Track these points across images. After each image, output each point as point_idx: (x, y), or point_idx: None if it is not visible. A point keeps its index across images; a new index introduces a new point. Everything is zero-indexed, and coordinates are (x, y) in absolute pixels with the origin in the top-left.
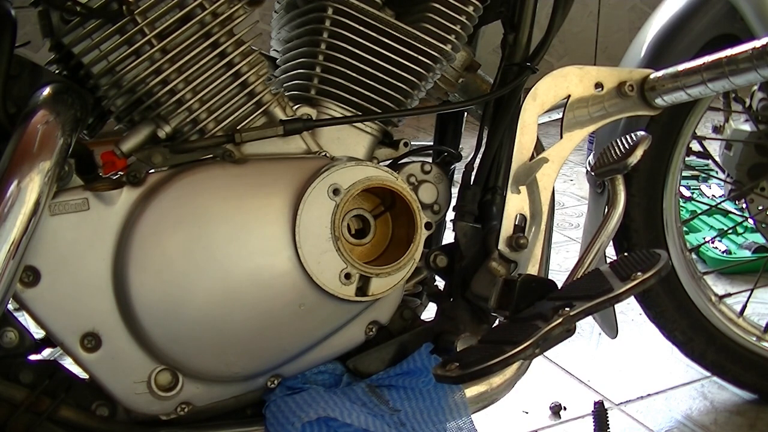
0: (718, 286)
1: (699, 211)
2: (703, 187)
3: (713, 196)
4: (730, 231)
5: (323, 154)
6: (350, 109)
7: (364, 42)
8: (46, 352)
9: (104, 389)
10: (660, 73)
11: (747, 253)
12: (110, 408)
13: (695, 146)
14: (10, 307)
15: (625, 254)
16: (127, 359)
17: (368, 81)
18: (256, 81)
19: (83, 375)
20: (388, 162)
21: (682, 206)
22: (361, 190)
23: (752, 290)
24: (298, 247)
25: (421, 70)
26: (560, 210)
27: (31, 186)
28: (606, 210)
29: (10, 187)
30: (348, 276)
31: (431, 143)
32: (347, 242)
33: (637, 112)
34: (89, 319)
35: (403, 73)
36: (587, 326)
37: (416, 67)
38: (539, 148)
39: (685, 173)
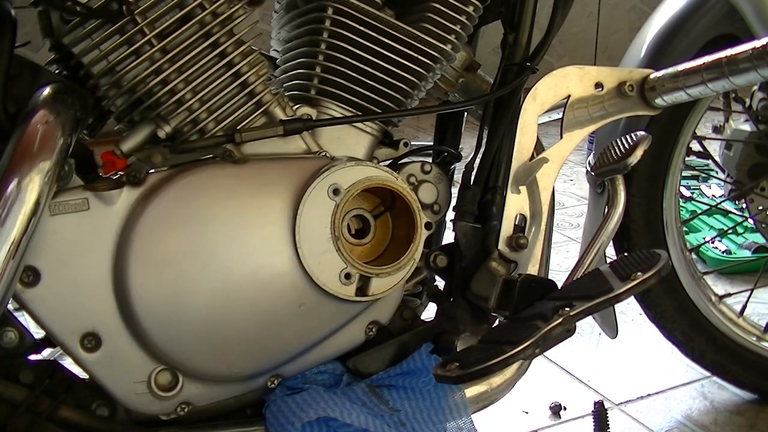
0: (718, 286)
1: (699, 211)
2: (703, 187)
3: (713, 196)
4: (730, 231)
5: (323, 154)
6: (350, 109)
7: (364, 42)
8: (46, 352)
9: (104, 389)
10: (660, 73)
11: (747, 253)
12: (110, 408)
13: (695, 146)
14: (10, 307)
15: (625, 254)
16: (127, 359)
17: (368, 81)
18: (256, 81)
19: (83, 375)
20: (388, 162)
21: (682, 206)
22: (361, 190)
23: (752, 290)
24: (298, 247)
25: (421, 70)
26: (560, 210)
27: (31, 186)
28: (606, 210)
29: (10, 187)
30: (348, 276)
31: (431, 143)
32: (347, 242)
33: (637, 112)
34: (89, 319)
35: (403, 73)
36: (587, 326)
37: (416, 67)
38: (539, 148)
39: (685, 173)
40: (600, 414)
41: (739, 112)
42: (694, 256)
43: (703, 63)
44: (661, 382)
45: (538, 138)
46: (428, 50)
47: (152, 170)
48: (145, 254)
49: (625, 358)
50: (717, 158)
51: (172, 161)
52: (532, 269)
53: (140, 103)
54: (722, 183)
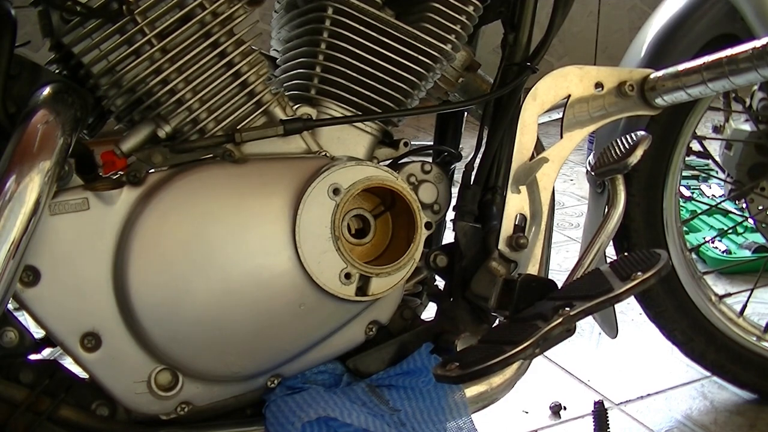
0: (718, 286)
1: (699, 211)
2: (703, 187)
3: (713, 196)
4: (730, 231)
5: (323, 153)
6: (350, 108)
7: (364, 42)
8: (46, 352)
9: (104, 389)
10: (660, 73)
11: (747, 253)
12: (110, 408)
13: (695, 146)
14: (10, 307)
15: (625, 254)
16: (127, 359)
17: (368, 81)
18: (256, 81)
19: (83, 375)
20: (388, 162)
21: (682, 206)
22: (361, 190)
23: (752, 290)
24: (298, 247)
25: (421, 70)
26: (560, 210)
27: (31, 186)
28: (606, 210)
29: (10, 187)
30: (348, 276)
31: (431, 143)
32: (347, 242)
33: (637, 111)
34: (89, 319)
35: (403, 73)
36: (587, 326)
37: (416, 67)
38: (539, 148)
39: (685, 173)
40: (600, 414)
41: (739, 112)
42: (694, 256)
43: (703, 63)
44: (661, 382)
45: (538, 138)
46: (428, 50)
47: (152, 170)
48: (145, 254)
49: (625, 358)
50: (717, 158)
51: (172, 161)
52: (532, 269)
53: (140, 103)
54: (722, 183)
